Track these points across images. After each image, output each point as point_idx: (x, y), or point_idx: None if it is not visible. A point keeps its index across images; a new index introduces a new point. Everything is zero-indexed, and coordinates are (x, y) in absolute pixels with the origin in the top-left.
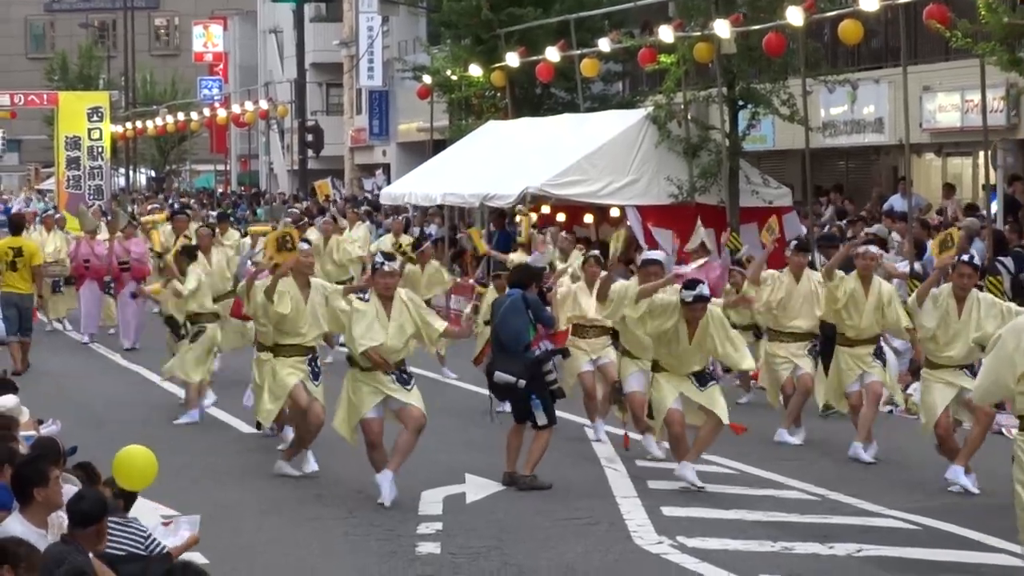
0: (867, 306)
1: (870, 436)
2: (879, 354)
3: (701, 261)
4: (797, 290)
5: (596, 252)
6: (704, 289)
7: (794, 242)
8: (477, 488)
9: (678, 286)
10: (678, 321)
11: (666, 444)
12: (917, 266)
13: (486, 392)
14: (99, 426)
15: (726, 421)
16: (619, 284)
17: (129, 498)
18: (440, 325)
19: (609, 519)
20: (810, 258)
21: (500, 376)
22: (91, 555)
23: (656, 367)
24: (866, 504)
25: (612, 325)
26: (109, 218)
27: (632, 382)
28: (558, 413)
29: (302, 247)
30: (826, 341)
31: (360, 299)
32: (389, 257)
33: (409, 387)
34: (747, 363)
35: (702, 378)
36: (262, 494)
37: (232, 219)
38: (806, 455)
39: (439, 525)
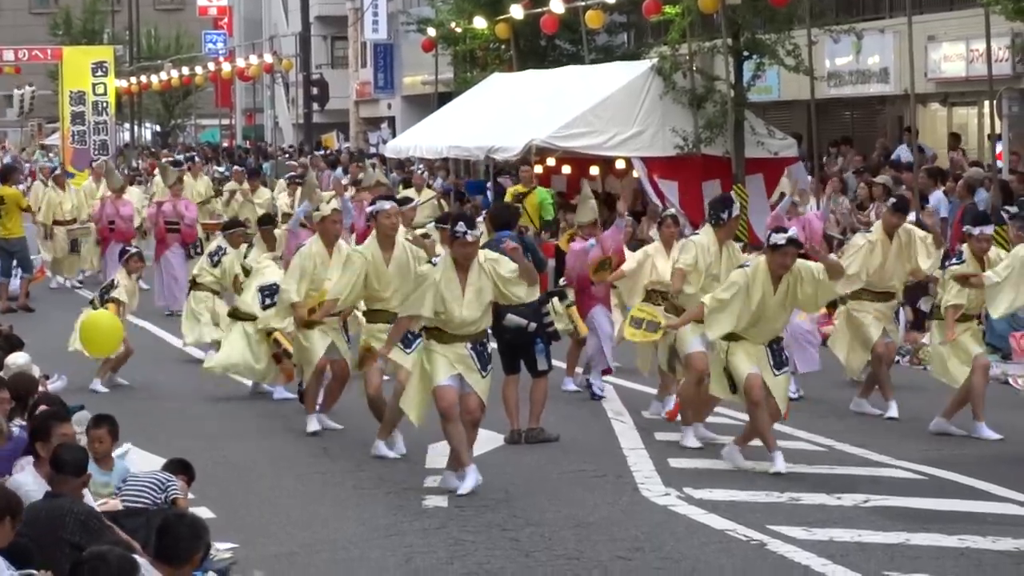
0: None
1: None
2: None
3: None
4: (891, 250)
5: (672, 211)
6: (795, 231)
7: (891, 200)
8: (484, 441)
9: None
10: (764, 281)
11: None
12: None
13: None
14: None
15: (783, 417)
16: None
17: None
18: (511, 268)
19: (616, 471)
20: (905, 217)
21: (512, 319)
22: (97, 510)
23: (731, 335)
24: (873, 455)
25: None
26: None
27: (694, 342)
28: (556, 363)
29: (383, 206)
30: None
31: (430, 263)
32: (470, 224)
33: (484, 372)
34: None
35: (778, 359)
36: (272, 450)
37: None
38: (813, 407)
39: None
